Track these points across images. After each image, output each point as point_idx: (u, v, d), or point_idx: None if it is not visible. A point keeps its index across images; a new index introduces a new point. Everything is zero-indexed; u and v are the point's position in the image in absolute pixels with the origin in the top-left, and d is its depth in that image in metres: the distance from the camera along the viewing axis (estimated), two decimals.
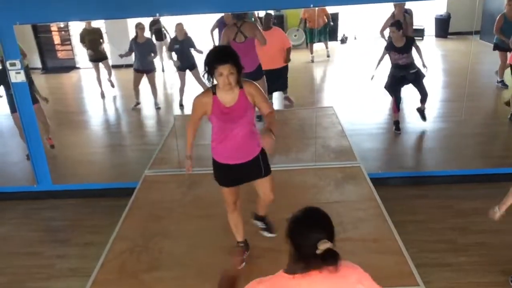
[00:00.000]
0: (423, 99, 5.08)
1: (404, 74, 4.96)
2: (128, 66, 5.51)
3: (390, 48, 4.90)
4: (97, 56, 5.54)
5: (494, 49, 5.24)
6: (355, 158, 4.35)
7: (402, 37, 4.81)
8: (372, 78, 5.53)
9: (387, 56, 5.01)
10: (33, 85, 4.71)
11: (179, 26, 5.02)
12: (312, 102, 5.58)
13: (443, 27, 5.72)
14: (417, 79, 4.99)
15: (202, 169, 4.37)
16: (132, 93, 5.67)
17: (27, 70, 4.51)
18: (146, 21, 5.17)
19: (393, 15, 5.02)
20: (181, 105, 5.57)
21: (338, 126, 5.13)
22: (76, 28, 5.54)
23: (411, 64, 4.93)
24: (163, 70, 5.60)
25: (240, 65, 2.54)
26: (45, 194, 4.84)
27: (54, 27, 5.53)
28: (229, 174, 2.80)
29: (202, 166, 4.46)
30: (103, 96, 5.81)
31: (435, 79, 5.91)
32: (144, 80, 5.51)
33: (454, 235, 3.83)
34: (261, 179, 2.85)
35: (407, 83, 5.07)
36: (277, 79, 5.05)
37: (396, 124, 5.18)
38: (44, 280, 3.62)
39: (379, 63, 5.07)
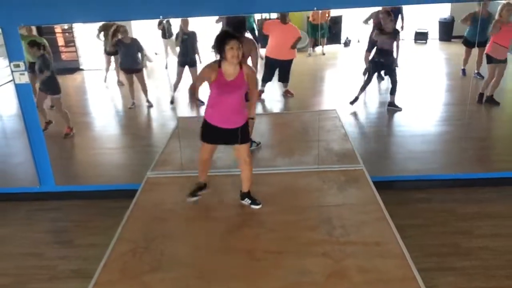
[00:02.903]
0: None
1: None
2: None
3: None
4: (111, 50, 5.56)
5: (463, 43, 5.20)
6: (358, 161, 4.34)
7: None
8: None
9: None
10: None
11: (185, 21, 5.04)
12: (314, 104, 5.59)
13: (447, 30, 5.69)
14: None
15: None
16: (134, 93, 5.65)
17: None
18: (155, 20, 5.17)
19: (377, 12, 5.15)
20: (172, 103, 5.47)
21: (341, 129, 5.11)
22: (80, 30, 5.54)
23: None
24: (166, 67, 5.58)
25: (242, 45, 3.17)
26: (48, 195, 4.85)
27: (58, 28, 5.54)
28: (213, 135, 3.42)
29: None
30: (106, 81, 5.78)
31: (439, 83, 5.90)
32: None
33: (457, 239, 3.82)
34: (238, 145, 3.43)
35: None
36: (282, 70, 5.26)
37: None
38: (46, 281, 3.63)
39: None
